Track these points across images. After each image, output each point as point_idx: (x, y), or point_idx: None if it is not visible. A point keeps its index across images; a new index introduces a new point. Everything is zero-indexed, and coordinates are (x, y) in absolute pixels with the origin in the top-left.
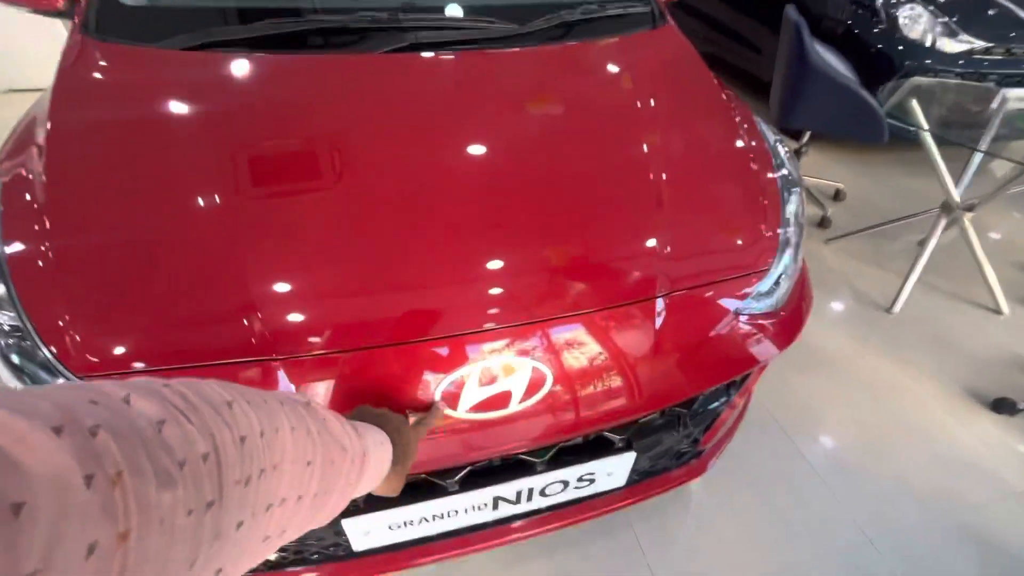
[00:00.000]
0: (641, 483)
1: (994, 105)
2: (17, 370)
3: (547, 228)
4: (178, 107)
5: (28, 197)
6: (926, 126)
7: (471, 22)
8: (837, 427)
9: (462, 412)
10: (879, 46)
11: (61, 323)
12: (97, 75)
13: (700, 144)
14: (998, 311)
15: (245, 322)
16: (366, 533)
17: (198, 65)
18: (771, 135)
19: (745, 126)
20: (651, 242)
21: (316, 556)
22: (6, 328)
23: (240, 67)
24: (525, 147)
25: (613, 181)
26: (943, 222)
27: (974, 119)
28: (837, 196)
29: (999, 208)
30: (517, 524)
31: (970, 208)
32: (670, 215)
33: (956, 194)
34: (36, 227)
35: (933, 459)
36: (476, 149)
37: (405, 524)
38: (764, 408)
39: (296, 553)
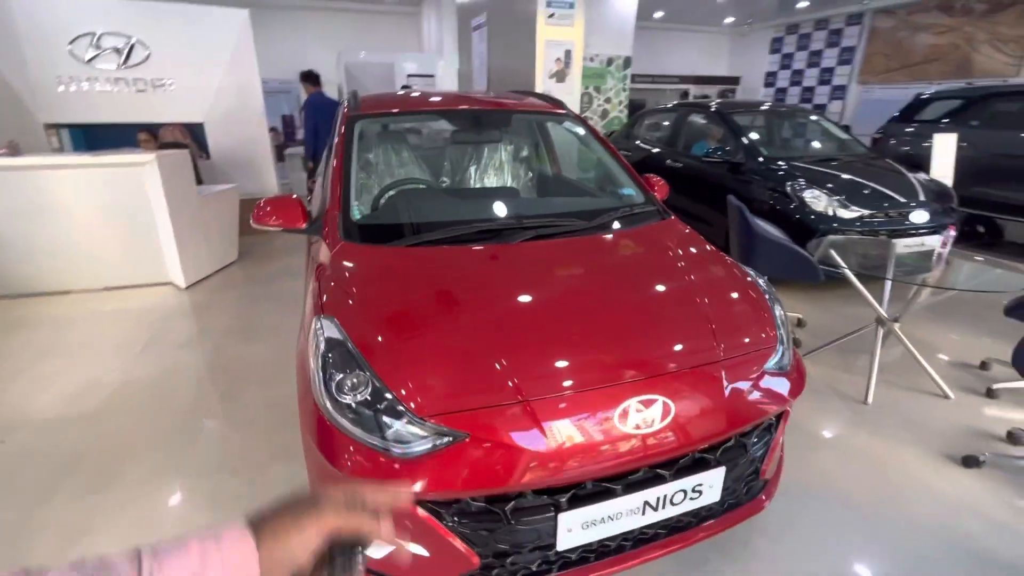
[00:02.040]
0: (729, 510)
1: (889, 250)
2: (377, 414)
3: (657, 331)
4: (416, 269)
5: (358, 319)
6: (845, 267)
7: (561, 222)
8: (851, 486)
9: (629, 428)
10: (797, 217)
11: (404, 390)
12: (357, 257)
13: (720, 284)
14: (946, 396)
15: (508, 384)
16: (569, 530)
17: (414, 253)
18: (754, 273)
19: (739, 272)
20: (710, 334)
21: (528, 567)
22: (372, 395)
23: (440, 253)
24: (620, 289)
25: (683, 305)
26: (881, 333)
27: (879, 260)
28: (800, 323)
29: (919, 321)
30: (656, 543)
31: (895, 320)
32: (717, 321)
33: (883, 311)
34: (373, 334)
35: (925, 504)
36: (593, 289)
37: (594, 523)
38: (793, 478)
39: (513, 563)
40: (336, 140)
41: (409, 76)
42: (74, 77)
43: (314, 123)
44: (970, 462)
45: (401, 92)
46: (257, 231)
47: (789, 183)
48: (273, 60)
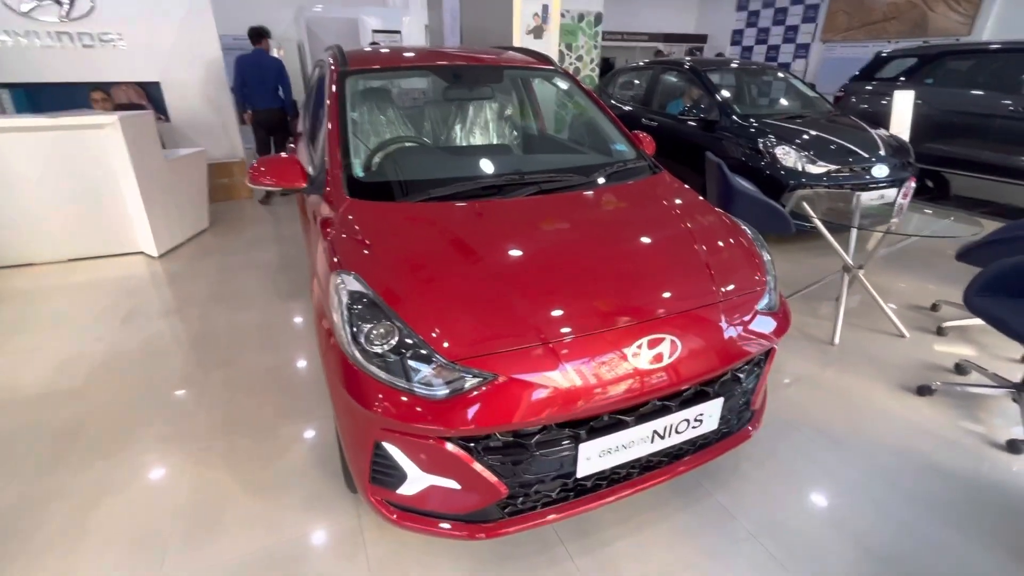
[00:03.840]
0: (723, 438)
1: (854, 202)
2: (404, 360)
3: (662, 276)
4: (426, 223)
5: (377, 271)
6: (816, 218)
7: (562, 177)
8: (823, 416)
9: (644, 364)
10: (768, 172)
11: (433, 334)
12: (367, 214)
13: (714, 232)
14: (902, 335)
15: (530, 327)
16: (587, 458)
17: (422, 208)
18: (744, 224)
19: (728, 220)
20: (709, 279)
21: (548, 494)
22: (399, 342)
23: (448, 208)
24: (624, 239)
25: (683, 252)
26: (846, 280)
27: (845, 212)
28: None
29: (879, 268)
30: (660, 469)
31: (860, 267)
32: (715, 267)
33: (849, 259)
34: (395, 285)
35: (887, 428)
36: (600, 239)
37: (609, 451)
38: (773, 411)
39: (536, 492)
40: (329, 97)
41: (374, 32)
42: (12, 31)
43: (242, 78)
44: (924, 391)
45: (369, 48)
46: (224, 198)
47: (761, 140)
48: (230, 16)
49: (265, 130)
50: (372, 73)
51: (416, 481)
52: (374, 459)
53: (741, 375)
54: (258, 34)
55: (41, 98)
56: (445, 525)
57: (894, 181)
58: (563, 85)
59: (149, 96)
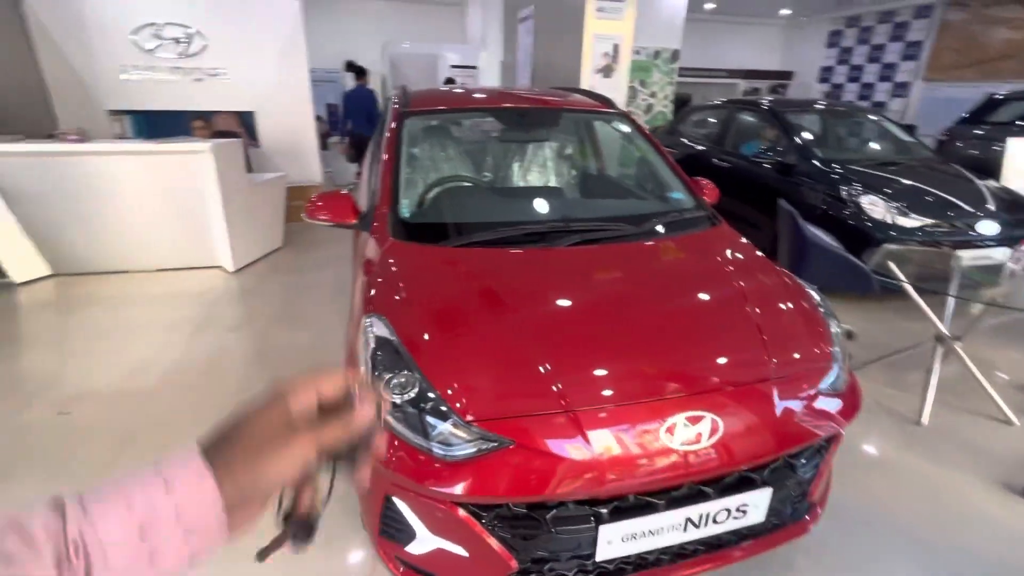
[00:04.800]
0: (774, 530)
1: (953, 263)
2: (422, 414)
3: (707, 343)
4: (464, 270)
5: (407, 318)
6: (905, 280)
7: (611, 227)
8: (901, 510)
9: (676, 444)
10: (851, 223)
11: (450, 391)
12: (406, 256)
13: (774, 295)
14: (1009, 422)
15: (554, 391)
16: (608, 542)
17: (461, 253)
18: (807, 285)
19: (791, 282)
20: (762, 349)
21: (563, 574)
22: (418, 395)
23: (488, 254)
24: (669, 298)
25: (734, 317)
26: (940, 351)
27: (941, 273)
28: (850, 336)
29: (983, 340)
30: (696, 559)
31: (958, 338)
32: (770, 335)
33: (944, 328)
34: (421, 334)
35: (983, 534)
36: (641, 298)
37: (634, 536)
38: (839, 497)
39: (550, 570)
40: (387, 136)
41: (452, 67)
42: (137, 66)
43: (347, 108)
44: None
45: (445, 86)
46: (299, 219)
47: (844, 187)
48: (320, 50)
49: (358, 151)
50: (431, 115)
51: (425, 542)
52: (384, 512)
53: (796, 463)
54: (359, 72)
55: (153, 124)
56: None
57: (1004, 240)
58: (623, 128)
59: (244, 124)
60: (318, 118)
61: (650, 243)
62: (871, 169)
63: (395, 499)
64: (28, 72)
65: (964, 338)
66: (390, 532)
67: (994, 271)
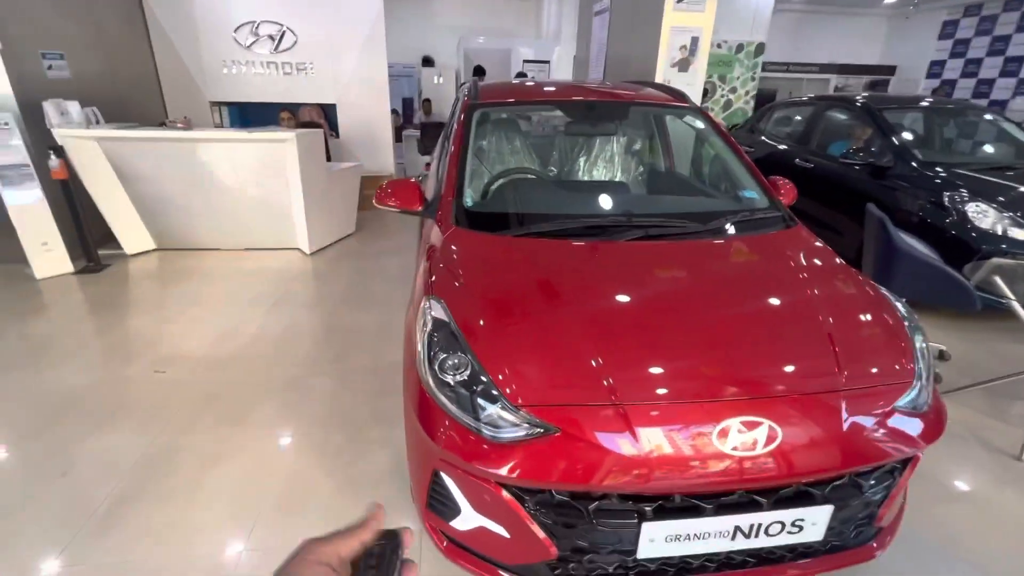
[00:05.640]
0: (833, 552)
1: None
2: (473, 395)
3: (770, 348)
4: (522, 260)
5: (464, 303)
6: (1012, 297)
7: (673, 222)
8: (988, 551)
9: (728, 449)
10: (953, 232)
11: (501, 376)
12: (467, 243)
13: (849, 304)
14: None
15: (604, 384)
16: (651, 540)
17: (521, 243)
18: (891, 295)
19: (872, 291)
20: (832, 359)
21: (605, 568)
22: (470, 377)
23: (547, 245)
24: (731, 299)
25: (804, 323)
26: None
27: None
28: (942, 356)
29: None
30: (745, 571)
31: None
32: (843, 346)
33: None
34: (477, 319)
35: None
36: (702, 296)
37: (677, 538)
38: (914, 529)
39: (590, 562)
40: (455, 127)
41: (525, 62)
42: (236, 61)
43: None
44: None
45: (516, 80)
46: (371, 207)
47: (948, 193)
48: (398, 45)
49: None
50: (500, 107)
51: (469, 518)
52: (432, 486)
53: (864, 482)
54: (480, 72)
55: (246, 114)
56: (490, 572)
57: None
58: (696, 124)
59: (326, 115)
60: (393, 111)
61: (717, 241)
62: (982, 174)
63: (443, 474)
64: (145, 65)
65: None
66: (436, 506)
67: None
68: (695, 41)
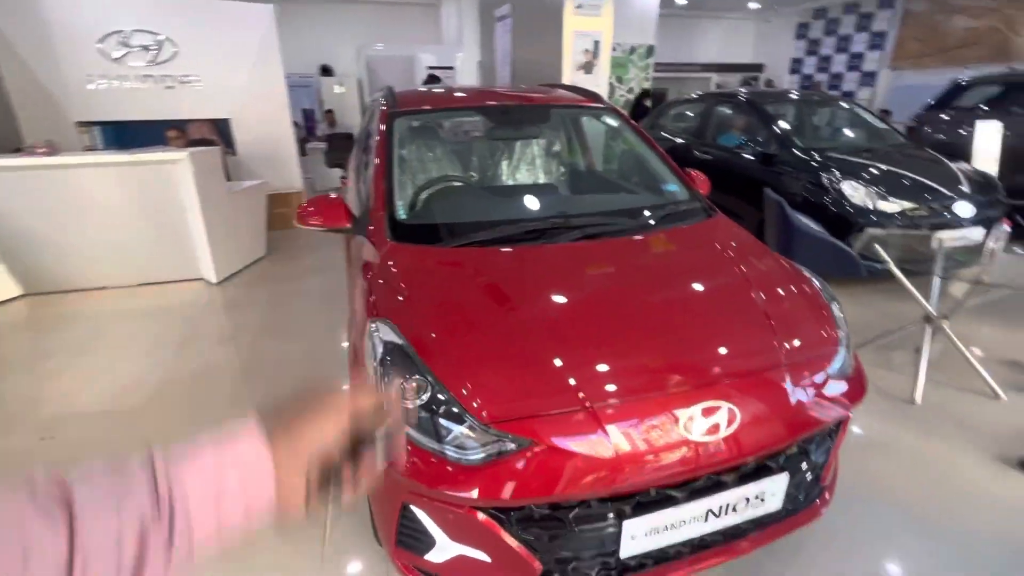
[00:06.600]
0: (789, 515)
1: (934, 244)
2: (435, 417)
3: (718, 333)
4: (468, 270)
5: (413, 321)
6: (890, 262)
7: (610, 221)
8: (902, 490)
9: (697, 435)
10: (833, 210)
11: (465, 391)
12: (407, 258)
13: (777, 282)
14: (997, 397)
15: (570, 388)
16: (632, 537)
17: (463, 253)
18: (808, 272)
19: (791, 268)
20: (772, 337)
21: (589, 573)
22: (430, 398)
23: (490, 253)
24: (675, 290)
25: (742, 306)
26: (928, 331)
27: (922, 255)
28: None
29: (967, 317)
30: (715, 549)
31: (945, 318)
32: (778, 323)
33: (932, 308)
34: (430, 336)
35: (981, 508)
36: (649, 290)
37: (657, 530)
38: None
39: (574, 570)
40: (376, 138)
41: (428, 68)
42: (104, 75)
43: None
44: None
45: (425, 86)
46: (281, 226)
47: (825, 174)
48: (293, 54)
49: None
50: (420, 114)
51: (445, 549)
52: (401, 522)
53: (810, 448)
54: (432, 79)
55: (125, 134)
56: None
57: (980, 221)
58: (612, 122)
59: (219, 132)
60: (295, 124)
61: (650, 236)
62: (849, 156)
63: (413, 507)
64: None
65: (951, 317)
66: (408, 542)
67: (974, 251)
68: (597, 44)
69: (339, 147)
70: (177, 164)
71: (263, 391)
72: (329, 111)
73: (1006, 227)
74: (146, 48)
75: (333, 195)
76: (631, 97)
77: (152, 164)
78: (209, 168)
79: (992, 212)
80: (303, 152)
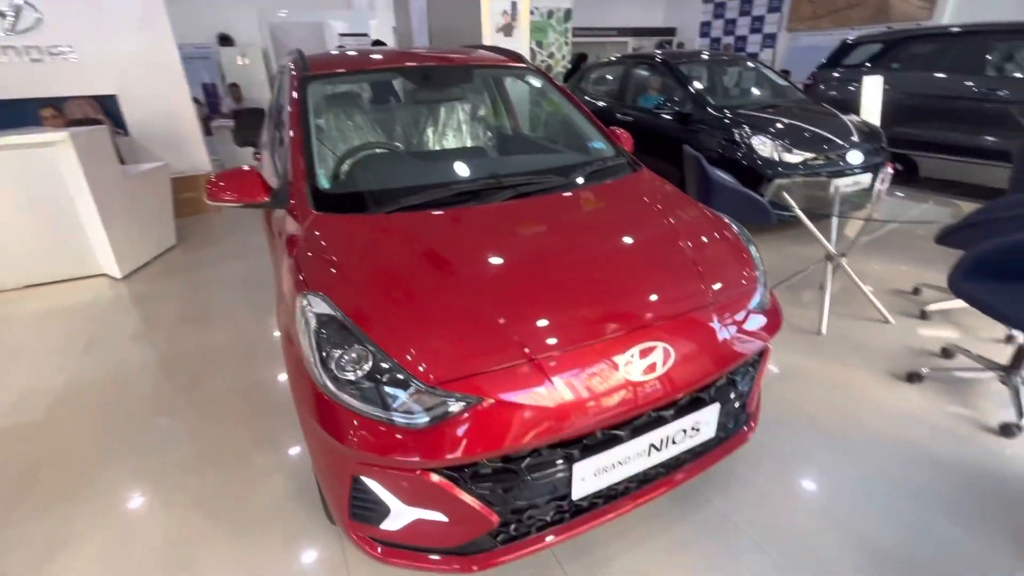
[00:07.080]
0: (721, 443)
1: (832, 190)
2: (380, 386)
3: (650, 279)
4: (400, 235)
5: (348, 291)
6: (797, 208)
7: (539, 179)
8: (815, 410)
9: (636, 375)
10: (745, 163)
11: (409, 356)
12: (334, 228)
13: (700, 229)
14: (887, 321)
15: (514, 342)
16: (583, 479)
17: (394, 219)
18: (728, 218)
19: (712, 216)
20: (699, 279)
21: (544, 518)
22: (372, 367)
23: (421, 217)
24: (608, 241)
25: (669, 253)
26: (830, 268)
27: (824, 199)
28: None
29: (859, 255)
30: (658, 481)
31: (843, 255)
32: (703, 266)
33: (832, 247)
34: (367, 305)
35: (880, 419)
36: (582, 243)
37: (605, 469)
38: (764, 408)
39: (529, 518)
40: (289, 105)
41: (340, 36)
42: None
43: None
44: (913, 378)
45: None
46: (191, 212)
47: (736, 130)
48: (186, 21)
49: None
50: (335, 77)
51: (400, 515)
52: (353, 494)
53: (736, 378)
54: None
55: None
56: (435, 557)
57: (868, 167)
58: (536, 83)
59: (106, 110)
60: (196, 101)
61: (579, 192)
62: (756, 112)
63: (363, 478)
64: None
65: (847, 255)
66: (361, 514)
67: (863, 194)
68: (515, 6)
69: (248, 123)
70: (57, 147)
71: (190, 386)
72: (234, 85)
73: (889, 170)
74: (2, 15)
75: (246, 167)
76: (552, 63)
77: (25, 148)
78: (97, 150)
79: (878, 159)
80: (208, 131)
